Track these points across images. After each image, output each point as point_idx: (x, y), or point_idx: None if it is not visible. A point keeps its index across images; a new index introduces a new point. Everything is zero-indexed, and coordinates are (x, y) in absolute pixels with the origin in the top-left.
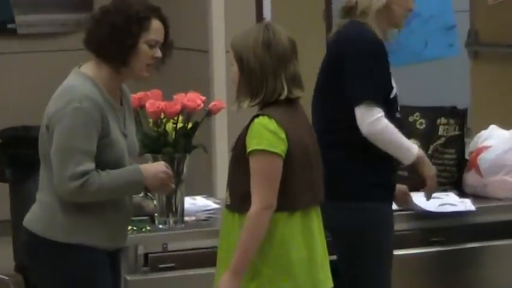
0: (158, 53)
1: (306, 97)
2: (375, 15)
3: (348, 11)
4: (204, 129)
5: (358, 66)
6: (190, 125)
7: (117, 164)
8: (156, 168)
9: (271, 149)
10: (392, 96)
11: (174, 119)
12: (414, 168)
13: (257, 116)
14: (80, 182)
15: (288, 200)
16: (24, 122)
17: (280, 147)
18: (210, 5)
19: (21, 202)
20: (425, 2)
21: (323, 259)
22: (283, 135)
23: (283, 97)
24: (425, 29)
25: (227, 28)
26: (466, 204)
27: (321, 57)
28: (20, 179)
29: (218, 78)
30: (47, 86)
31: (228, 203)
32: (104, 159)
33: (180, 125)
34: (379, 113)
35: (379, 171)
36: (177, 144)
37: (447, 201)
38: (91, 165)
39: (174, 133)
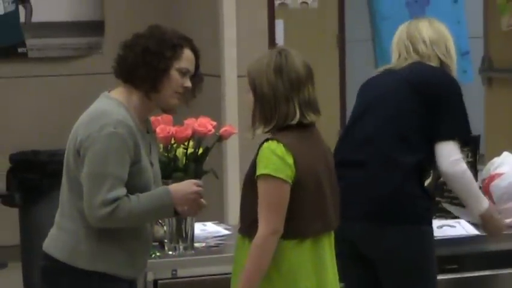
0: (188, 83)
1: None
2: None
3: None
4: (215, 155)
5: (457, 105)
6: (200, 150)
7: (144, 191)
8: (184, 189)
9: (276, 174)
10: None
11: (184, 144)
12: (483, 223)
13: (266, 140)
14: (110, 208)
15: (296, 228)
16: (33, 147)
17: (286, 173)
18: (223, 31)
19: (30, 227)
20: None
21: None
22: (290, 161)
23: (295, 122)
24: None
25: (239, 53)
26: (463, 225)
27: (334, 82)
28: (29, 203)
29: (230, 103)
30: (57, 111)
31: (239, 228)
32: (133, 186)
33: (190, 150)
34: (461, 155)
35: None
36: (187, 169)
37: (444, 223)
38: (122, 191)
39: (184, 158)
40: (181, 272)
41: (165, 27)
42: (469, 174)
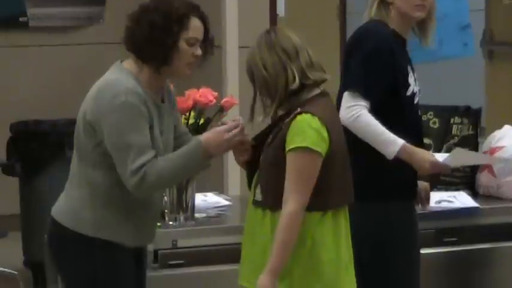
0: (198, 51)
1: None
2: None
3: None
4: (216, 125)
5: (358, 56)
6: (202, 121)
7: None
8: (216, 140)
9: (314, 147)
10: (408, 93)
11: (185, 115)
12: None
13: (300, 113)
14: (138, 176)
15: (321, 200)
16: (34, 116)
17: (322, 146)
18: (224, 1)
19: (31, 197)
20: (440, 1)
21: (347, 261)
22: (325, 134)
23: (296, 86)
24: (439, 28)
25: (240, 24)
26: (462, 198)
27: (336, 54)
28: (30, 173)
29: (231, 74)
30: (58, 80)
31: (259, 200)
32: None
33: (191, 120)
34: (359, 102)
35: (400, 169)
36: None
37: (443, 198)
38: (147, 156)
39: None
40: (181, 243)
41: None
42: (363, 120)
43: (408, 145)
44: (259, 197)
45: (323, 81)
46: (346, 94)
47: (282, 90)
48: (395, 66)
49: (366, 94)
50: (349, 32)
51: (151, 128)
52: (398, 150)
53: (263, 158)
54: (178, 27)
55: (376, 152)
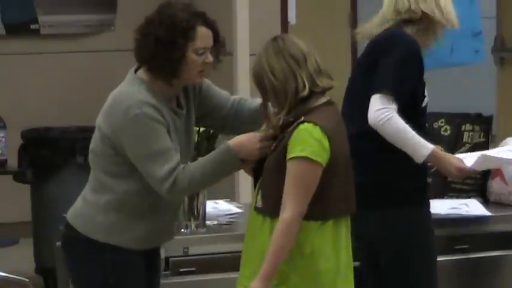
0: (209, 58)
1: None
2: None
3: None
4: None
5: (390, 58)
6: None
7: None
8: (249, 147)
9: (314, 157)
10: (424, 105)
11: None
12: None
13: (302, 122)
14: (169, 182)
15: (322, 209)
16: (45, 123)
17: (323, 156)
18: (236, 9)
19: (42, 203)
20: None
21: (347, 269)
22: (326, 144)
23: (305, 93)
24: (451, 35)
25: (252, 31)
26: (473, 206)
27: (346, 61)
28: (41, 180)
29: (242, 81)
30: (69, 87)
31: (260, 206)
32: None
33: (203, 128)
34: (390, 105)
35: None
36: (200, 147)
37: (454, 205)
38: (174, 161)
39: (197, 136)
40: (192, 250)
41: (175, 4)
42: (395, 123)
43: (437, 150)
44: (259, 203)
45: (331, 88)
46: (377, 96)
47: (292, 98)
48: (422, 74)
49: (397, 98)
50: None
51: (168, 133)
52: (428, 154)
53: (266, 165)
54: (184, 40)
55: (392, 159)
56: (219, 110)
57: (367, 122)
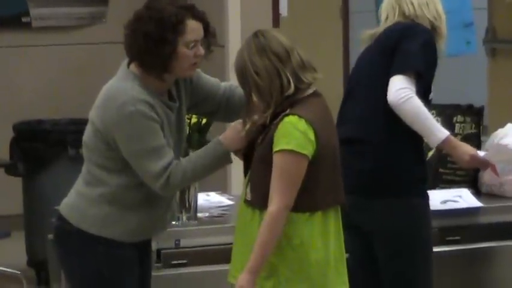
0: (200, 51)
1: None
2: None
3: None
4: (219, 125)
5: (410, 43)
6: (204, 121)
7: None
8: (235, 136)
9: (299, 150)
10: (430, 98)
11: (188, 115)
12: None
13: (287, 115)
14: (164, 178)
15: (310, 201)
16: (37, 116)
17: (308, 149)
18: (227, 1)
19: (34, 196)
20: None
21: (337, 261)
22: (312, 136)
23: (291, 91)
24: None
25: (243, 23)
26: (466, 199)
27: (337, 53)
28: (32, 173)
29: (233, 73)
30: (61, 80)
31: (249, 199)
32: None
33: (194, 120)
34: (411, 86)
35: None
36: (190, 139)
37: (448, 198)
38: (168, 157)
39: (188, 129)
40: (184, 242)
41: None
42: (415, 103)
43: (452, 137)
44: (249, 196)
45: (315, 81)
46: (398, 77)
47: (278, 96)
48: (436, 65)
49: (418, 80)
50: (352, 30)
51: (162, 129)
52: (444, 139)
53: (254, 158)
54: (173, 35)
55: (398, 146)
56: (211, 98)
57: (380, 106)
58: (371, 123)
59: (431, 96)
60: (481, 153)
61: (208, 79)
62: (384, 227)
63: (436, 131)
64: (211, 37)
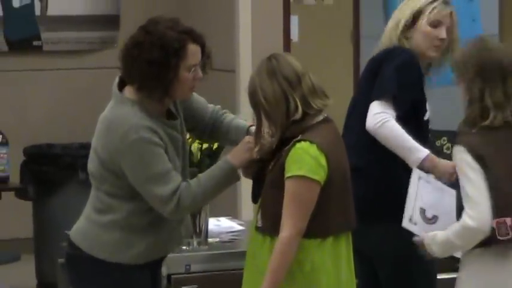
0: (199, 74)
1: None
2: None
3: None
4: (230, 150)
5: (387, 67)
6: (215, 146)
7: None
8: (240, 148)
9: (311, 175)
10: (426, 118)
11: (200, 140)
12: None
13: (299, 141)
14: (173, 202)
15: (321, 226)
16: (47, 140)
17: (320, 174)
18: (238, 26)
19: (44, 220)
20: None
21: (348, 286)
22: (323, 162)
23: (298, 116)
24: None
25: (254, 49)
26: None
27: (348, 78)
28: (43, 197)
29: (245, 98)
30: (71, 104)
31: (260, 226)
32: None
33: (205, 145)
34: (387, 110)
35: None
36: (202, 164)
37: None
38: (176, 181)
39: (199, 153)
40: (194, 267)
41: (161, 22)
42: (391, 126)
43: (432, 155)
44: (259, 222)
45: (325, 107)
46: (375, 103)
47: (284, 119)
48: (422, 83)
49: (395, 104)
50: (363, 55)
51: (166, 152)
52: (424, 158)
53: (265, 184)
54: (176, 59)
55: (391, 171)
56: (200, 116)
57: (368, 134)
58: (362, 151)
59: (427, 116)
60: None
61: (198, 97)
62: (381, 252)
63: (414, 151)
64: (206, 58)
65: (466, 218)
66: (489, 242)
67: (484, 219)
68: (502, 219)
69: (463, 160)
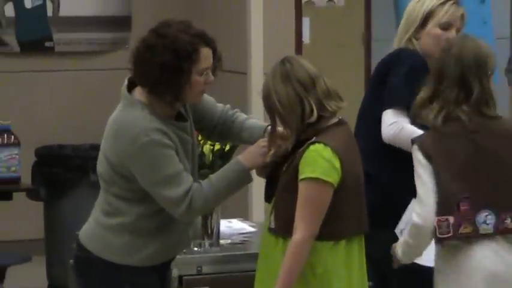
0: (210, 78)
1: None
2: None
3: None
4: (242, 151)
5: (397, 73)
6: (227, 147)
7: None
8: (253, 150)
9: (325, 178)
10: None
11: (211, 141)
12: None
13: (313, 143)
14: (185, 204)
15: (334, 229)
16: (58, 141)
17: (333, 177)
18: (250, 28)
19: (55, 221)
20: (465, 28)
21: None
22: (337, 164)
23: (313, 119)
24: None
25: (265, 51)
26: None
27: (359, 81)
28: (54, 197)
29: (256, 100)
30: (83, 105)
31: (273, 227)
32: None
33: (217, 147)
34: (401, 118)
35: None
36: (214, 166)
37: None
38: (187, 183)
39: (211, 155)
40: (206, 269)
41: (173, 25)
42: (408, 131)
43: None
44: (272, 224)
45: (340, 109)
46: (388, 111)
47: (299, 123)
48: None
49: (408, 111)
50: (374, 58)
51: (177, 154)
52: None
53: (278, 186)
54: (188, 63)
55: (398, 177)
56: (209, 117)
57: (375, 139)
58: (370, 157)
59: None
60: None
61: (206, 97)
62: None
63: None
64: (216, 62)
65: (413, 216)
66: (435, 241)
67: (428, 217)
68: (444, 217)
69: (415, 158)
